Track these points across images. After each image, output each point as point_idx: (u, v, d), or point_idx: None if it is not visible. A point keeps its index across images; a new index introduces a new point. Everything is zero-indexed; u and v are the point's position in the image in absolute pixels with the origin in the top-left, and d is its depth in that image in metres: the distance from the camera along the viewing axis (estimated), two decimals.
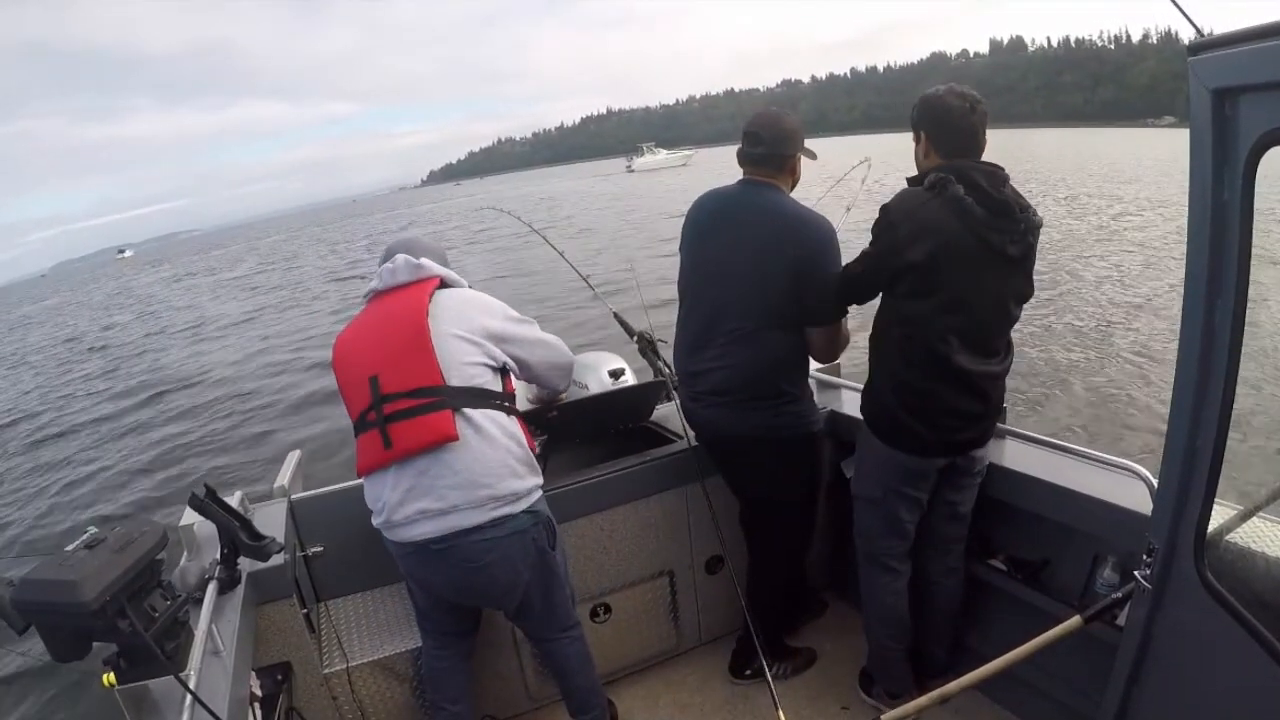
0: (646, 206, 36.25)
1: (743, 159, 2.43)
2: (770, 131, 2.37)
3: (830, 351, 2.49)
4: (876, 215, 2.14)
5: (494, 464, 1.99)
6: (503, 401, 2.08)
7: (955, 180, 2.03)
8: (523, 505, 2.04)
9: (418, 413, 1.96)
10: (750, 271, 2.34)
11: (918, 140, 2.19)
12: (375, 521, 2.05)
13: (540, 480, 2.13)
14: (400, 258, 2.14)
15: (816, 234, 2.34)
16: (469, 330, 2.05)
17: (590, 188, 63.11)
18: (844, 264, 2.29)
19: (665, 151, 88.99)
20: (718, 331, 2.42)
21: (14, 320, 37.67)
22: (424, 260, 2.15)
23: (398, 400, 1.97)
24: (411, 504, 1.97)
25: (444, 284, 2.15)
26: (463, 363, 2.01)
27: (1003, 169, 2.12)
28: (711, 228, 2.45)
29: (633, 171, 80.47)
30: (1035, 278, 2.21)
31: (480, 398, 2.01)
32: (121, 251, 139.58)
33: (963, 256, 2.04)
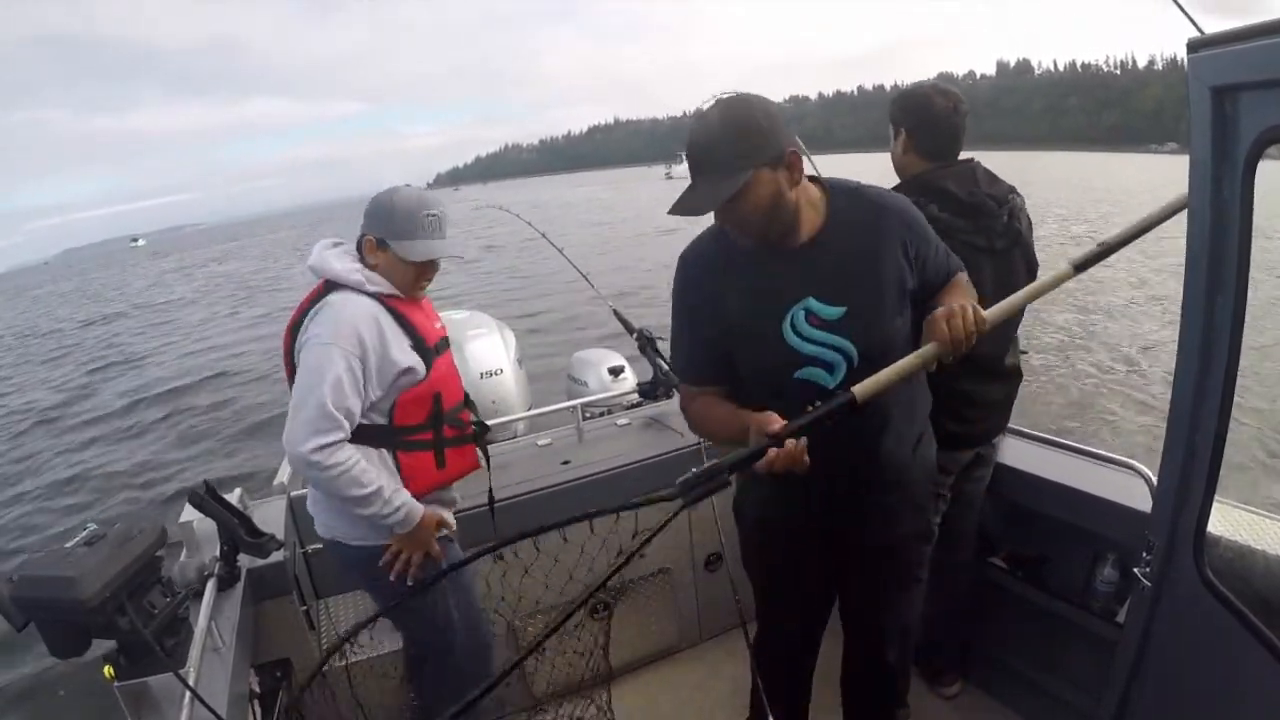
0: None
1: None
2: None
3: None
4: None
5: None
6: None
7: (925, 199, 1.97)
8: None
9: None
10: None
11: (896, 136, 2.16)
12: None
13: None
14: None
15: None
16: None
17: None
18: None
19: None
20: None
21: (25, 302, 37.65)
22: None
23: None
24: None
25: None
26: None
27: (971, 160, 2.11)
28: None
29: (671, 179, 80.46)
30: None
31: None
32: (135, 240, 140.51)
33: None
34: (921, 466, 1.80)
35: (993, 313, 1.46)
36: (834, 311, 1.58)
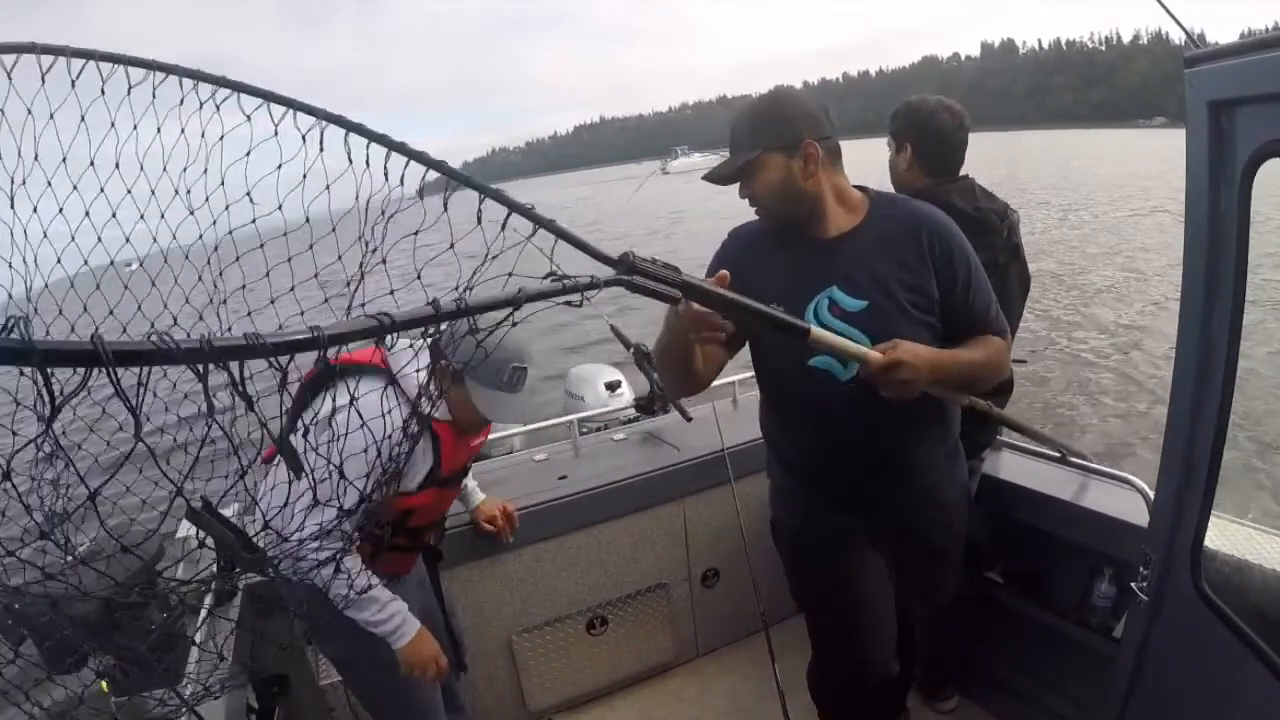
0: None
1: None
2: None
3: None
4: None
5: None
6: None
7: None
8: None
9: None
10: None
11: (900, 150, 2.16)
12: None
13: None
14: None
15: None
16: None
17: None
18: None
19: (698, 154, 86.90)
20: None
21: None
22: None
23: None
24: None
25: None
26: None
27: (968, 177, 2.12)
28: None
29: (667, 173, 78.78)
30: (1032, 283, 2.26)
31: None
32: (128, 265, 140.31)
33: None
34: (957, 483, 1.80)
35: (932, 387, 1.52)
36: (856, 304, 1.61)
